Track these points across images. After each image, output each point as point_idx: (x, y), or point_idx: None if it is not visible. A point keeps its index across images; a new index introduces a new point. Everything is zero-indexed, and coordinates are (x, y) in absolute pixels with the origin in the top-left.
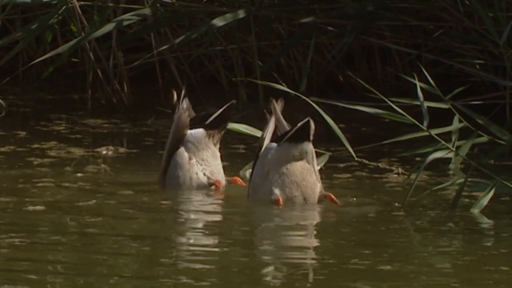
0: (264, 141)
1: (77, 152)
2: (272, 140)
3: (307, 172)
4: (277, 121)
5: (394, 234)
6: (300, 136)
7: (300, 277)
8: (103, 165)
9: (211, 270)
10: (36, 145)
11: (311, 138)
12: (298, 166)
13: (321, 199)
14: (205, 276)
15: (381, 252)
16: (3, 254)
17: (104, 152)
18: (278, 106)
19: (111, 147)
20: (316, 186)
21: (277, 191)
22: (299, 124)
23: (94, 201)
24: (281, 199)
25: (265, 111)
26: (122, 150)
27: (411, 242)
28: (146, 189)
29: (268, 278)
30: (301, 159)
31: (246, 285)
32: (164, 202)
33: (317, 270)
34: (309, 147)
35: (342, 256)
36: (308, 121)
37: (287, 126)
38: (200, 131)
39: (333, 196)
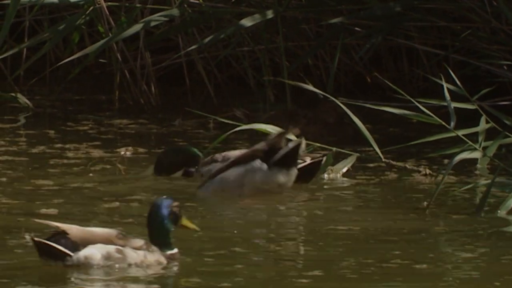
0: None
1: (99, 152)
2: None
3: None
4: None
5: (421, 235)
6: (290, 161)
7: (334, 275)
8: (119, 165)
9: (242, 269)
10: (61, 145)
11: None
12: (275, 185)
13: None
14: (236, 275)
15: (410, 253)
16: (19, 254)
17: (122, 152)
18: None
19: (130, 148)
20: None
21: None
22: (289, 147)
23: (117, 203)
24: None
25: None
26: (141, 150)
27: (438, 242)
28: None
29: (303, 280)
30: (284, 184)
31: (281, 282)
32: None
33: (353, 268)
34: (295, 172)
35: (377, 256)
36: (298, 145)
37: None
38: None
39: None
